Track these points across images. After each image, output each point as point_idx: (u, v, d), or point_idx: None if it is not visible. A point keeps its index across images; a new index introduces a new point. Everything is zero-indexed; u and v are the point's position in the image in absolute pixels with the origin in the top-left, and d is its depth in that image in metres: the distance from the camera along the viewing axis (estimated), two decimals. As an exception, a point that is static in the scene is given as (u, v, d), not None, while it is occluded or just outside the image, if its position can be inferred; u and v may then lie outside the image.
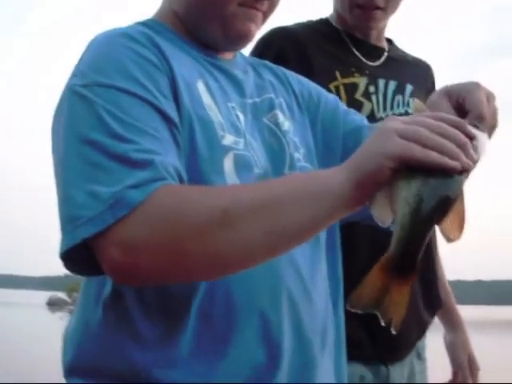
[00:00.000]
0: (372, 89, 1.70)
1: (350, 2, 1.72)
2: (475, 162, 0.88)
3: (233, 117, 1.10)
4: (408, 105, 1.74)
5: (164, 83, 1.02)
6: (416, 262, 0.86)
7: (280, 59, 1.50)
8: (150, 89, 1.00)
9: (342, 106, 1.34)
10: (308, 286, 1.08)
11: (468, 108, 1.01)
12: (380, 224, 0.87)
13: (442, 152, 0.85)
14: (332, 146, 1.27)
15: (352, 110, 1.35)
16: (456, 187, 0.86)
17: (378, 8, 1.70)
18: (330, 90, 1.60)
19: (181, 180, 0.96)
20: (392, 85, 1.73)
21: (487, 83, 1.05)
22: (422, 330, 1.77)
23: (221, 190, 0.96)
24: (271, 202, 0.91)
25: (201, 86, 1.08)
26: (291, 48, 1.67)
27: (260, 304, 1.01)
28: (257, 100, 1.19)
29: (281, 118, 1.19)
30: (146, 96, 0.99)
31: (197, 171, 1.01)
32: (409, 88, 1.77)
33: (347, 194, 0.89)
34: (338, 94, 1.63)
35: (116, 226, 0.89)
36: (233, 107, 1.12)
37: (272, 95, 1.22)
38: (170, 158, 0.95)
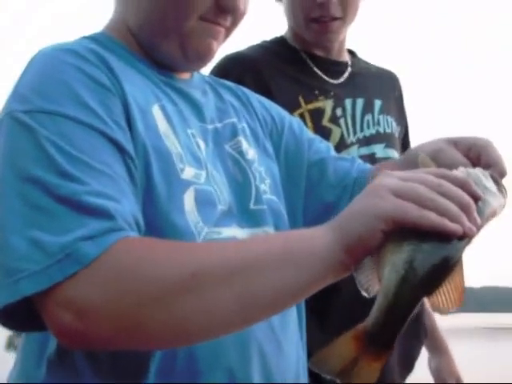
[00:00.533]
0: (339, 112, 1.58)
1: (304, 18, 1.60)
2: (479, 228, 0.77)
3: (193, 145, 0.99)
4: (378, 124, 1.63)
5: (117, 109, 0.90)
6: (395, 339, 0.75)
7: None
8: (103, 116, 0.88)
9: (307, 132, 1.24)
10: (279, 336, 0.97)
11: (488, 163, 0.95)
12: (364, 293, 0.76)
13: (441, 213, 0.74)
14: (295, 177, 1.17)
15: (318, 138, 1.25)
16: (454, 254, 0.75)
17: (335, 18, 1.59)
18: None
19: (139, 228, 0.85)
20: (359, 103, 1.62)
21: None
22: (408, 368, 1.66)
23: (190, 250, 0.84)
24: (246, 266, 0.79)
25: (156, 111, 0.96)
26: (250, 78, 1.54)
27: (227, 360, 0.90)
28: (218, 125, 1.08)
29: (244, 145, 1.09)
30: (99, 125, 0.87)
31: (154, 209, 0.90)
32: (377, 104, 1.66)
33: (334, 258, 0.78)
34: (303, 121, 1.51)
35: (65, 284, 0.76)
36: (192, 134, 1.00)
37: (234, 119, 1.11)
38: (126, 203, 0.83)
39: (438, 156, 0.98)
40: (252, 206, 1.04)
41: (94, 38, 1.02)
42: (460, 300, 0.75)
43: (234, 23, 1.04)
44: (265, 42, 1.70)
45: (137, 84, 0.97)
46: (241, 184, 1.04)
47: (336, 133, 1.55)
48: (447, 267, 0.74)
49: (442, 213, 0.74)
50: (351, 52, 1.77)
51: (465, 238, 0.75)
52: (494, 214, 0.82)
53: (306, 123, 1.52)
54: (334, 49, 1.67)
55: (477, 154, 0.98)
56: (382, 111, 1.66)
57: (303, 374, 1.03)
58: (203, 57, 1.04)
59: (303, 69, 1.63)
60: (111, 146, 0.87)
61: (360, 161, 1.25)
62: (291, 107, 1.51)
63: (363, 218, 0.76)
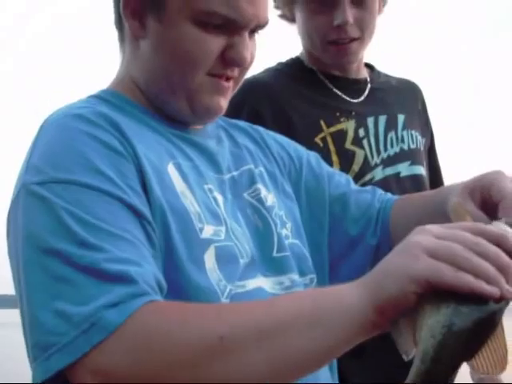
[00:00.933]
0: (362, 132, 1.54)
1: (321, 41, 1.55)
2: None
3: (211, 201, 0.98)
4: (402, 140, 1.59)
5: (131, 173, 0.90)
6: None
7: (256, 119, 1.34)
8: (117, 182, 0.88)
9: (326, 167, 1.23)
10: (309, 380, 0.96)
11: (497, 199, 0.92)
12: (404, 356, 0.74)
13: (478, 275, 0.72)
14: (318, 214, 1.16)
15: (336, 172, 1.24)
16: (493, 317, 0.72)
17: (353, 39, 1.53)
18: (316, 144, 1.47)
19: (161, 290, 0.85)
20: (382, 120, 1.58)
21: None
22: None
23: (217, 312, 0.82)
24: (276, 328, 0.77)
25: (171, 170, 0.96)
26: (267, 106, 1.51)
27: None
28: (235, 174, 1.07)
29: (263, 192, 1.08)
30: (114, 191, 0.87)
31: (175, 270, 0.90)
32: (401, 119, 1.62)
33: (365, 318, 0.76)
34: (325, 145, 1.49)
35: (93, 353, 0.77)
36: (210, 189, 1.00)
37: (251, 166, 1.11)
38: (147, 266, 0.83)
39: (455, 213, 0.96)
40: (275, 254, 1.03)
41: (102, 98, 1.02)
42: (503, 364, 0.72)
43: (242, 72, 1.03)
44: (280, 64, 1.66)
45: (149, 143, 0.97)
46: (262, 232, 1.04)
47: (359, 155, 1.52)
48: (486, 331, 0.72)
49: (479, 275, 0.71)
50: (369, 66, 1.71)
51: (503, 300, 0.72)
52: None
53: (328, 147, 1.50)
54: (352, 68, 1.62)
55: (488, 193, 0.96)
56: (405, 126, 1.61)
57: None
58: (213, 114, 1.04)
59: (322, 90, 1.59)
60: (128, 211, 0.87)
61: (381, 191, 1.24)
62: (313, 132, 1.49)
63: (396, 279, 0.74)
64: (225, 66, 1.00)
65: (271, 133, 1.22)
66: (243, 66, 1.01)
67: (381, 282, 0.76)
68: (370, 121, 1.57)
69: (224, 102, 1.03)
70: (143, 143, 0.95)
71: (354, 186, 1.23)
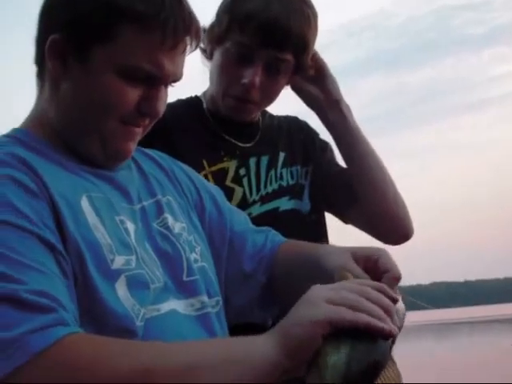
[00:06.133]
0: (243, 171, 1.62)
1: (224, 91, 1.58)
2: (399, 328, 0.89)
3: (121, 232, 1.06)
4: (281, 178, 1.67)
5: (45, 211, 0.97)
6: None
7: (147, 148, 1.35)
8: (33, 219, 0.95)
9: (227, 202, 1.33)
10: None
11: (384, 269, 1.08)
12: None
13: (371, 315, 0.86)
14: (218, 245, 1.26)
15: (236, 209, 1.34)
16: (384, 352, 0.86)
17: (252, 102, 1.58)
18: None
19: (75, 319, 0.92)
20: (264, 161, 1.66)
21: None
22: None
23: (140, 345, 0.91)
24: (192, 367, 0.87)
25: (85, 204, 1.03)
26: (158, 137, 1.44)
27: None
28: (145, 204, 1.15)
29: (170, 220, 1.16)
30: (30, 227, 0.94)
31: (93, 298, 0.98)
32: (281, 157, 1.69)
33: (274, 361, 0.87)
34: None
35: (13, 375, 0.83)
36: (121, 221, 1.07)
37: (159, 196, 1.18)
38: (61, 297, 0.90)
39: (341, 272, 1.06)
40: (185, 278, 1.12)
41: (15, 137, 1.08)
42: None
43: (152, 121, 1.12)
44: (179, 101, 1.69)
45: (62, 180, 1.03)
46: (171, 258, 1.12)
47: (238, 192, 1.59)
48: (380, 363, 0.85)
49: (372, 314, 0.86)
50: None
51: (389, 338, 0.86)
52: (404, 314, 0.95)
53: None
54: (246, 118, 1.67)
55: (375, 262, 1.11)
56: (284, 164, 1.69)
57: None
58: (122, 157, 1.12)
59: (213, 135, 1.63)
60: (43, 246, 0.94)
61: (274, 231, 1.35)
62: (195, 169, 1.48)
63: (302, 325, 0.86)
64: (138, 116, 1.08)
65: (180, 163, 1.31)
66: (156, 118, 1.11)
67: (289, 329, 0.88)
68: (252, 161, 1.63)
69: (133, 146, 1.12)
70: (56, 181, 1.01)
71: (251, 226, 1.33)
